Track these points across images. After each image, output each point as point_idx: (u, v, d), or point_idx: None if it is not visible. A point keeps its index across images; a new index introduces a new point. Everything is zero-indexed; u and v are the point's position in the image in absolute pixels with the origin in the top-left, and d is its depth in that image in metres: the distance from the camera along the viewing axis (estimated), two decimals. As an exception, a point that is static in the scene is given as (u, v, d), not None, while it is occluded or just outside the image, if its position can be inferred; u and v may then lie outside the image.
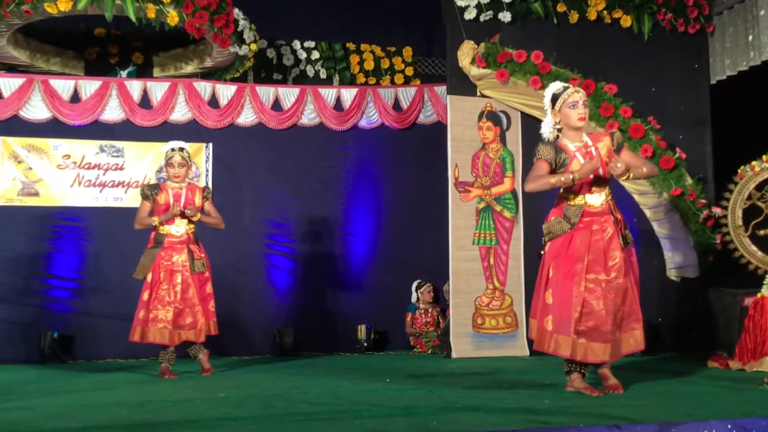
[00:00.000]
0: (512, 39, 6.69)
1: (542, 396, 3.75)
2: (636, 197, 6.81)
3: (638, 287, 4.05)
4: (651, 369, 5.25)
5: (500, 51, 6.52)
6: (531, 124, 6.63)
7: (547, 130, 4.03)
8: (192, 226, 5.52)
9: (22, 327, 6.86)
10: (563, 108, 3.91)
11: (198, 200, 5.52)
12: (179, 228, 5.43)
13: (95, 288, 7.13)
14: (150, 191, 5.45)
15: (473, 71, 6.61)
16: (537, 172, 3.91)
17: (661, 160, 6.47)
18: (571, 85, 3.99)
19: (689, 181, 6.55)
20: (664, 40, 7.07)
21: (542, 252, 4.09)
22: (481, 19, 6.76)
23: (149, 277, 5.36)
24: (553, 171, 3.92)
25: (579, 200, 3.93)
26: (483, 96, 6.73)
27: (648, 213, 6.80)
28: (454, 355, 6.33)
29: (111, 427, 3.07)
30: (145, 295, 5.35)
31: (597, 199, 3.94)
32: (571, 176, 3.80)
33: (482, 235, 6.64)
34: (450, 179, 6.61)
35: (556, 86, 4.00)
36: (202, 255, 5.53)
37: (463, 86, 6.74)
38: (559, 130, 4.00)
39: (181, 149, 5.49)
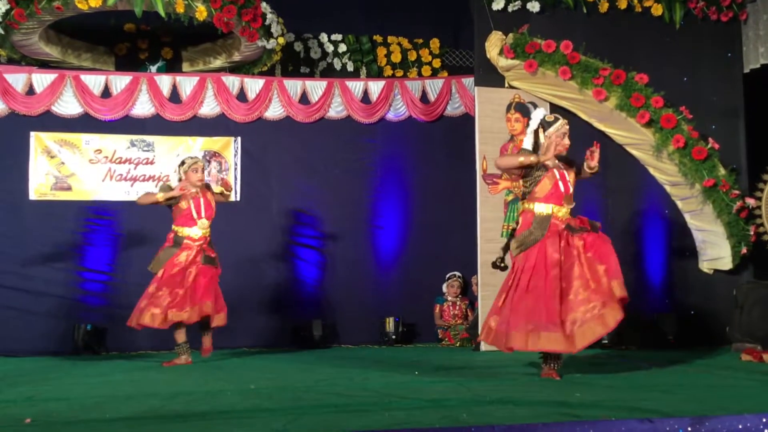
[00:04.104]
0: (541, 29, 6.63)
1: (572, 390, 3.72)
2: (668, 188, 6.73)
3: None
4: (683, 362, 5.19)
5: (529, 41, 6.46)
6: (559, 115, 6.58)
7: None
8: (208, 230, 5.81)
9: (57, 319, 6.98)
10: (554, 136, 4.42)
11: (211, 197, 5.87)
12: (198, 231, 5.72)
13: (127, 281, 7.21)
14: (170, 190, 5.71)
15: (501, 62, 6.56)
16: (510, 155, 4.65)
17: (694, 151, 6.38)
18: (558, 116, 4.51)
19: (722, 171, 6.45)
20: (696, 29, 6.96)
21: (499, 264, 4.53)
22: (510, 9, 6.70)
23: (160, 273, 5.67)
24: (526, 174, 4.43)
25: (546, 211, 4.39)
26: (511, 87, 6.68)
27: (680, 204, 6.72)
28: (482, 348, 6.32)
29: (144, 418, 3.11)
30: (152, 288, 5.68)
31: (563, 212, 4.41)
32: (532, 157, 4.35)
33: (510, 227, 6.58)
34: (478, 171, 6.57)
35: (541, 113, 4.56)
36: (213, 255, 5.82)
37: (491, 77, 6.69)
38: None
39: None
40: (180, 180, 5.79)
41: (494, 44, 6.56)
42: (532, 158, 4.35)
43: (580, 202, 4.65)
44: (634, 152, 6.77)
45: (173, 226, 5.76)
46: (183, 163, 5.82)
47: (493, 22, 6.63)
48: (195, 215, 5.72)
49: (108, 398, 3.76)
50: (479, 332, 4.58)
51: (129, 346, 7.00)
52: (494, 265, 4.55)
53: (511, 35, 6.54)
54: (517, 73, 6.57)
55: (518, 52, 6.46)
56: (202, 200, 5.75)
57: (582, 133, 4.74)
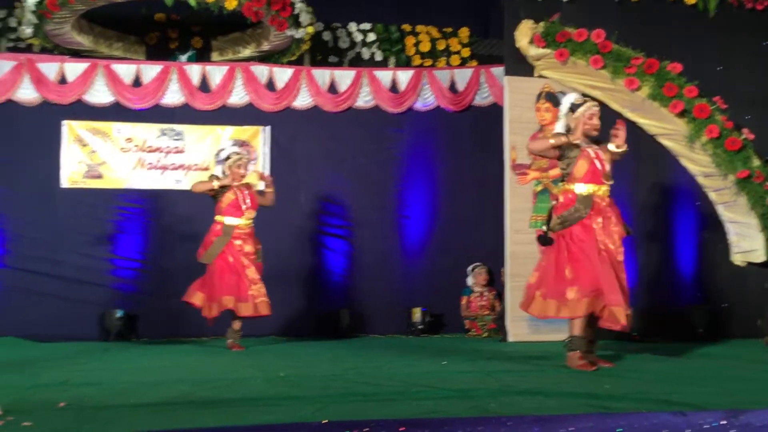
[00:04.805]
0: (571, 18, 6.55)
1: (601, 381, 3.68)
2: (700, 179, 6.62)
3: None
4: (716, 355, 5.12)
5: (560, 30, 6.39)
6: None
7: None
8: (252, 220, 5.96)
9: (89, 306, 7.08)
10: (582, 117, 4.47)
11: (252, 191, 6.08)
12: (244, 221, 5.89)
13: (157, 268, 7.32)
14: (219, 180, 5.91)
15: (531, 51, 6.49)
16: (542, 139, 4.79)
17: (727, 141, 6.27)
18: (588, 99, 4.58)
19: (756, 162, 6.33)
20: (730, 17, 6.82)
21: (547, 236, 4.54)
22: (540, -2, 6.63)
23: (213, 263, 5.84)
24: (561, 156, 4.50)
25: (588, 191, 4.44)
26: (541, 76, 6.61)
27: (713, 196, 6.61)
28: (510, 339, 6.29)
29: (173, 404, 3.14)
30: (206, 278, 5.86)
31: (603, 190, 4.46)
32: (563, 138, 4.43)
33: (539, 218, 6.51)
34: (506, 162, 6.52)
35: (573, 96, 4.59)
36: (259, 246, 6.00)
37: (521, 67, 6.63)
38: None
39: None
40: (224, 174, 5.90)
41: (524, 33, 6.50)
42: (563, 138, 4.42)
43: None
44: (665, 143, 6.67)
45: (218, 217, 5.89)
46: (228, 158, 5.91)
47: (524, 11, 6.56)
48: (243, 205, 5.87)
49: (137, 384, 3.80)
50: (529, 307, 4.60)
51: (159, 332, 7.09)
52: (543, 239, 4.54)
53: (541, 24, 6.47)
54: (548, 62, 6.50)
55: (549, 41, 6.39)
56: (247, 191, 5.96)
57: (613, 123, 4.69)
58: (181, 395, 3.36)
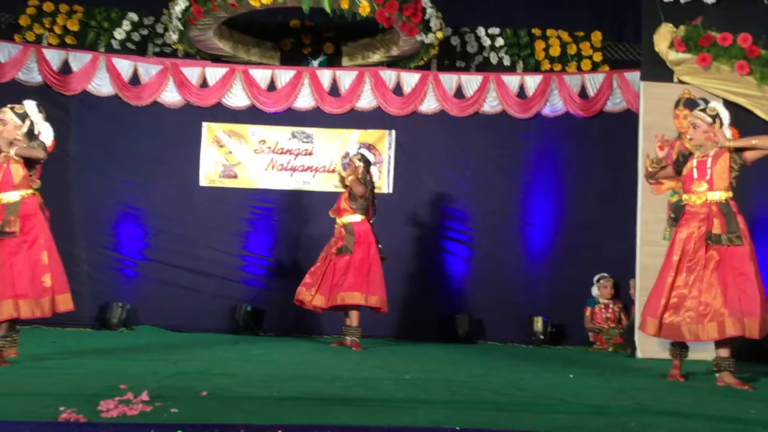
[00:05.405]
0: (714, 21, 6.22)
1: (746, 405, 3.48)
2: None
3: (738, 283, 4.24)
4: None
5: (702, 34, 6.09)
6: (733, 113, 6.13)
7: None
8: (342, 220, 6.28)
9: (221, 299, 7.41)
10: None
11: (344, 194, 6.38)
12: (339, 221, 6.29)
13: (284, 266, 7.58)
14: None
15: (671, 56, 6.23)
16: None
17: None
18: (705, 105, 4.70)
19: None
20: None
21: None
22: (681, 0, 6.34)
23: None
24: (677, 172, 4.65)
25: (684, 201, 4.52)
26: (681, 82, 6.33)
27: None
28: (639, 354, 6.05)
29: (309, 399, 3.24)
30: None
31: (697, 199, 4.43)
32: (650, 169, 4.81)
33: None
34: (640, 171, 6.28)
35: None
36: (342, 243, 6.19)
37: (658, 72, 6.37)
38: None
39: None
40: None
41: (663, 37, 6.24)
42: (655, 164, 4.70)
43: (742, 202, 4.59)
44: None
45: None
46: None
47: (663, 14, 6.30)
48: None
49: (273, 377, 3.95)
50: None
51: (284, 328, 7.33)
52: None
53: (682, 27, 6.19)
54: (688, 67, 6.21)
55: (690, 46, 6.10)
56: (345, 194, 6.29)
57: (759, 132, 4.43)
58: (315, 391, 3.47)
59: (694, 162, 4.48)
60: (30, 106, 4.61)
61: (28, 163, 4.51)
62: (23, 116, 4.53)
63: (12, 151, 4.43)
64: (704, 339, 4.29)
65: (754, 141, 4.35)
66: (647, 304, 4.56)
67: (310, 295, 6.13)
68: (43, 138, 4.62)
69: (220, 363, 4.63)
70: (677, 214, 4.60)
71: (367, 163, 6.32)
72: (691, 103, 6.34)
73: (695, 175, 4.44)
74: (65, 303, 4.52)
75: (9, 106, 4.55)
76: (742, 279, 4.21)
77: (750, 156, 4.39)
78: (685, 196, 4.52)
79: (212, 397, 3.14)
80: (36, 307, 4.39)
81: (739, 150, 4.39)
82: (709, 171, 4.39)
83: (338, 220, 6.25)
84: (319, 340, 7.01)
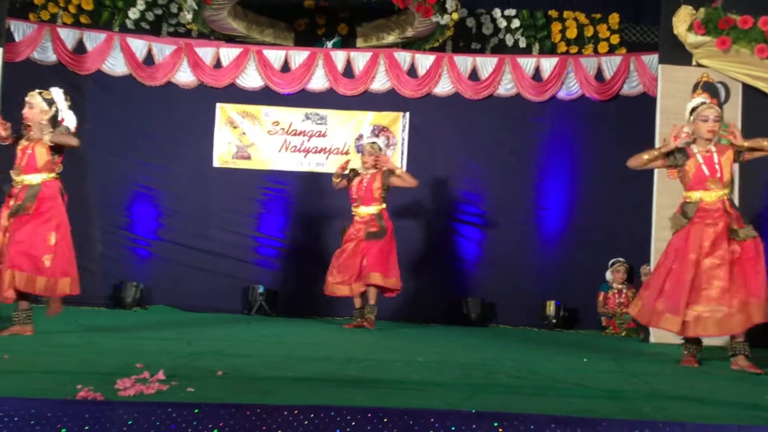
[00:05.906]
0: (734, 4, 6.13)
1: (762, 391, 3.45)
2: None
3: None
4: None
5: (722, 17, 6.00)
6: (753, 96, 6.09)
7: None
8: (370, 209, 6.28)
9: (234, 280, 7.44)
10: (697, 121, 4.50)
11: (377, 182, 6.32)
12: (364, 210, 6.26)
13: (297, 247, 7.59)
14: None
15: (690, 39, 6.15)
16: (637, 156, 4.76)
17: None
18: (706, 101, 4.65)
19: None
20: None
21: None
22: (701, -18, 6.25)
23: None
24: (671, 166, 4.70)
25: (695, 198, 4.45)
26: (699, 65, 6.25)
27: None
28: (652, 339, 6.03)
29: (324, 380, 3.25)
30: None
31: (711, 196, 4.41)
32: (656, 152, 4.70)
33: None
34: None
35: (695, 101, 4.66)
36: (375, 229, 6.24)
37: (677, 55, 6.29)
38: (694, 140, 4.57)
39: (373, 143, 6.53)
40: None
41: (683, 19, 6.15)
42: (654, 152, 4.74)
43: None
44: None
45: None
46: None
47: (683, -4, 6.22)
48: (356, 196, 6.29)
49: (287, 358, 3.97)
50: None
51: (296, 310, 7.34)
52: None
53: (702, 10, 6.11)
54: (708, 50, 6.13)
55: (710, 28, 6.02)
56: (365, 181, 6.28)
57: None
58: (330, 372, 3.48)
59: (699, 158, 4.44)
60: (57, 93, 4.70)
61: (55, 148, 4.56)
62: (50, 102, 4.62)
63: (46, 137, 4.50)
64: (737, 331, 4.28)
65: (765, 143, 4.40)
66: (667, 298, 4.43)
67: (350, 289, 6.22)
68: (66, 125, 4.66)
69: (234, 343, 4.66)
70: (688, 211, 4.47)
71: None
72: (709, 87, 6.29)
73: (707, 172, 4.41)
74: (63, 287, 4.56)
75: (38, 90, 4.65)
76: (756, 270, 4.32)
77: (749, 155, 4.49)
78: (696, 194, 4.44)
79: (227, 378, 3.15)
80: (29, 282, 4.44)
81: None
82: (718, 167, 4.41)
83: (368, 209, 6.26)
84: (332, 321, 7.03)
